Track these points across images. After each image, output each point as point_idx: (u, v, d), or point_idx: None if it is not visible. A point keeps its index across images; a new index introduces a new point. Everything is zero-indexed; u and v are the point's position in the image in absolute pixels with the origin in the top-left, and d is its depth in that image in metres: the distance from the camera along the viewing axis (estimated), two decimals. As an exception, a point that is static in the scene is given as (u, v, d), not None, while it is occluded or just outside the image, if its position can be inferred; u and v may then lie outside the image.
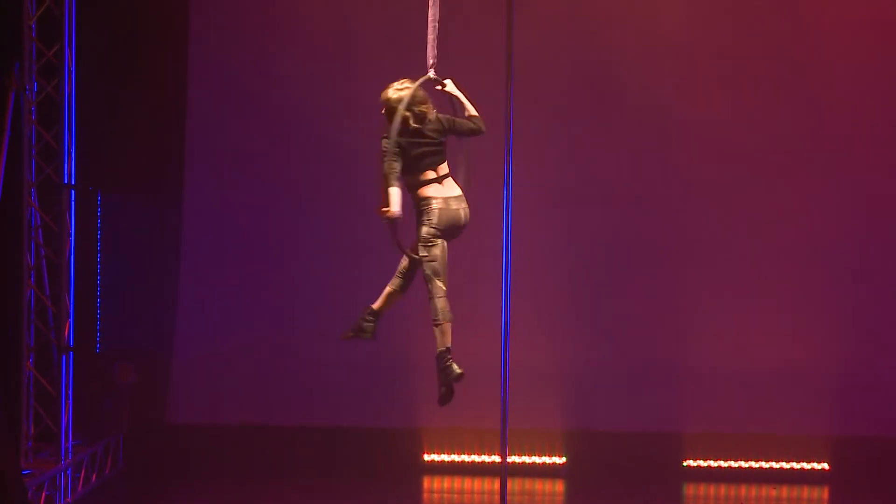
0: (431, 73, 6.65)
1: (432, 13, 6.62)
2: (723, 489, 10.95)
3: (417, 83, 6.56)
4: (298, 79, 11.12)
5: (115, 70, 11.14)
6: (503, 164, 6.77)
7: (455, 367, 6.60)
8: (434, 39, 6.63)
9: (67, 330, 10.09)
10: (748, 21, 11.02)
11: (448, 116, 6.72)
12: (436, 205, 6.59)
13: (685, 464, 11.20)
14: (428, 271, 6.59)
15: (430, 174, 6.63)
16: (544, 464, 11.22)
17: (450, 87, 6.76)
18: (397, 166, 6.48)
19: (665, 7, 11.03)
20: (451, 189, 6.66)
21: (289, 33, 11.15)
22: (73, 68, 10.08)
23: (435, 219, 6.59)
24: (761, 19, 11.02)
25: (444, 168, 6.67)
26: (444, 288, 6.59)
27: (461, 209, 6.64)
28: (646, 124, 11.08)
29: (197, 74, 11.24)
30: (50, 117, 10.12)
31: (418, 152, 6.58)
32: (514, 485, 10.62)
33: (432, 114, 6.63)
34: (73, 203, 10.14)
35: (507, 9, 6.81)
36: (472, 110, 6.77)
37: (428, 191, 6.62)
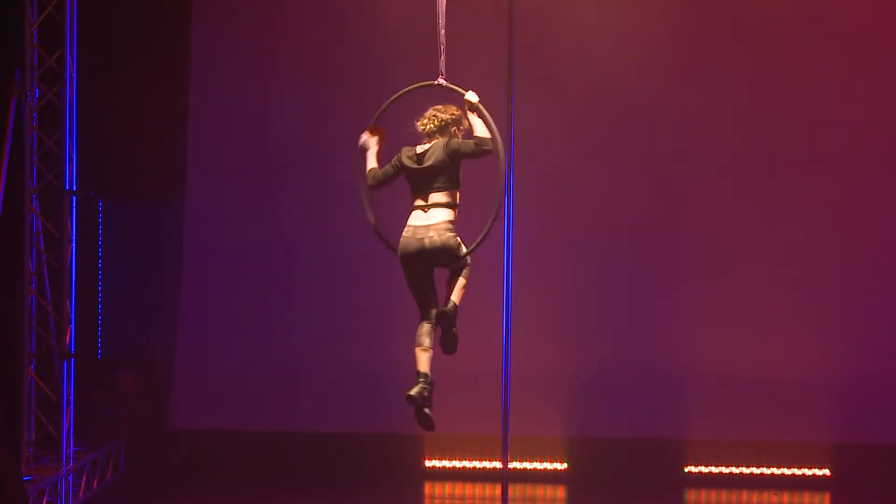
0: (442, 81, 6.60)
1: (441, 21, 6.60)
2: (724, 495, 10.93)
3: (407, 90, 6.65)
4: (301, 89, 11.12)
5: (117, 76, 11.15)
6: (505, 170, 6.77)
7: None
8: (442, 47, 6.61)
9: (69, 336, 10.08)
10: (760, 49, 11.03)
11: (456, 141, 6.57)
12: (403, 233, 6.60)
13: (686, 470, 11.19)
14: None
15: (419, 202, 6.63)
16: (546, 470, 11.21)
17: (469, 96, 6.56)
18: (381, 175, 6.66)
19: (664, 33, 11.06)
20: (429, 218, 6.57)
21: (291, 45, 11.15)
22: (74, 74, 10.08)
23: (398, 247, 6.61)
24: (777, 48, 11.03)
25: (436, 196, 6.57)
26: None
27: (425, 238, 6.52)
28: (648, 135, 11.07)
29: (198, 81, 11.24)
30: (51, 123, 10.13)
31: (414, 178, 6.61)
32: (515, 491, 10.61)
33: (438, 140, 6.59)
34: (74, 209, 10.15)
35: (509, 8, 6.83)
36: (480, 130, 6.48)
37: (408, 219, 6.63)
